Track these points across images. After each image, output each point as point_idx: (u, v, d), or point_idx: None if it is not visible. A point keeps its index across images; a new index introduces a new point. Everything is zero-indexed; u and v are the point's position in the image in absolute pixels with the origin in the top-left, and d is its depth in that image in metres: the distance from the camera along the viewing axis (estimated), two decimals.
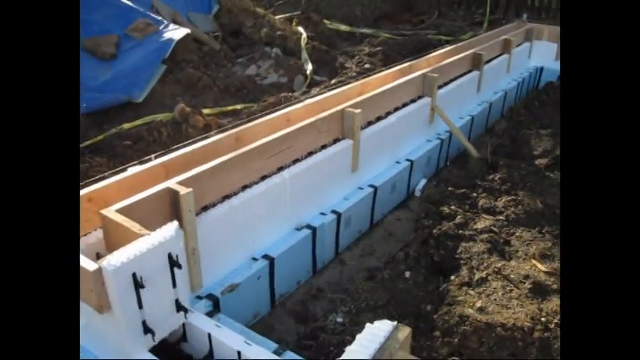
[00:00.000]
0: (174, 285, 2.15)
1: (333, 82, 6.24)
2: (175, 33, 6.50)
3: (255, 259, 2.92)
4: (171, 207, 2.45)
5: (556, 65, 7.10)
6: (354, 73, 6.39)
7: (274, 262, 2.93)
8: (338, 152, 3.45)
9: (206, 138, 3.08)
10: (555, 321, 2.31)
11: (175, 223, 2.13)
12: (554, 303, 2.42)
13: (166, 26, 6.64)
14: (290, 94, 5.86)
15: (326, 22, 9.67)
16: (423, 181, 4.42)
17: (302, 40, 7.83)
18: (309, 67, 6.87)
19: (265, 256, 2.94)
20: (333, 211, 3.41)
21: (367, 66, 6.76)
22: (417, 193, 4.28)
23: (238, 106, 5.73)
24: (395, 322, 1.55)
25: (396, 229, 3.86)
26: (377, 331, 1.50)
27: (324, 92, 4.20)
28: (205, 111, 5.33)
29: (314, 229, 3.22)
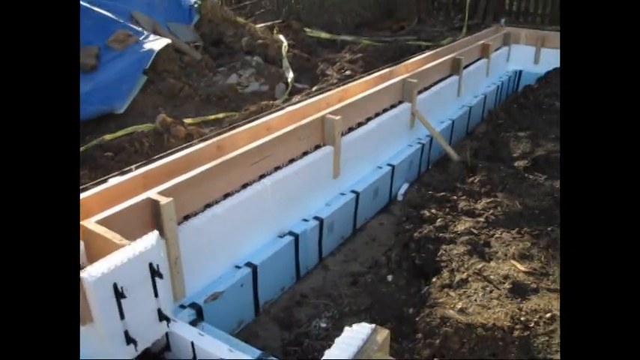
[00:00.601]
0: (156, 294, 2.15)
1: (314, 89, 6.28)
2: (156, 43, 6.49)
3: (238, 266, 2.93)
4: (152, 217, 2.45)
5: (534, 68, 7.21)
6: (335, 80, 6.43)
7: (257, 270, 2.95)
8: (319, 159, 3.47)
9: (187, 147, 3.09)
10: (535, 320, 2.35)
11: (156, 232, 2.14)
12: (533, 302, 2.46)
13: (147, 37, 6.63)
14: (271, 102, 5.88)
15: (307, 30, 9.72)
16: (405, 186, 4.46)
17: (283, 48, 7.86)
18: (290, 74, 6.91)
19: (248, 264, 2.95)
20: (316, 218, 3.43)
21: (348, 73, 6.81)
22: (400, 198, 4.31)
23: (220, 115, 5.74)
24: (373, 325, 1.57)
25: (379, 234, 3.89)
26: (355, 334, 1.52)
27: (305, 99, 4.23)
28: (187, 121, 5.34)
29: (296, 236, 3.24)
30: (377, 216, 4.13)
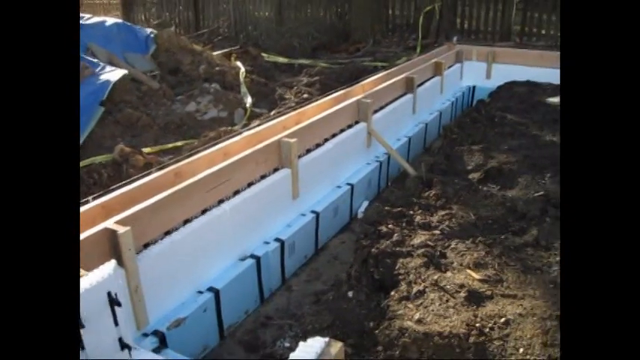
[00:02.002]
0: (116, 323, 2.15)
1: (272, 113, 6.36)
2: (112, 74, 6.50)
3: (200, 292, 2.95)
4: (110, 247, 2.46)
5: (487, 83, 7.45)
6: (293, 104, 6.53)
7: (220, 294, 2.97)
8: (277, 181, 3.53)
9: (145, 176, 3.11)
10: (490, 325, 2.43)
11: (113, 261, 2.15)
12: (488, 308, 2.55)
13: (103, 68, 6.63)
14: (230, 127, 5.93)
15: (264, 55, 9.84)
16: (365, 203, 4.54)
17: (240, 74, 7.94)
18: (249, 100, 6.98)
19: (210, 289, 2.97)
20: (277, 239, 3.47)
21: (305, 96, 6.92)
22: (360, 215, 4.39)
23: (179, 143, 5.76)
24: (327, 339, 1.62)
25: (341, 252, 3.95)
26: (309, 349, 1.57)
27: (263, 124, 4.29)
28: (146, 150, 5.34)
29: (258, 258, 3.27)
30: (338, 235, 4.19)
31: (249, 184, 3.45)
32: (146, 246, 2.71)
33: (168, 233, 2.85)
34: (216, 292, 2.95)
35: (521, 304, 2.58)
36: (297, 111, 4.48)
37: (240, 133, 3.96)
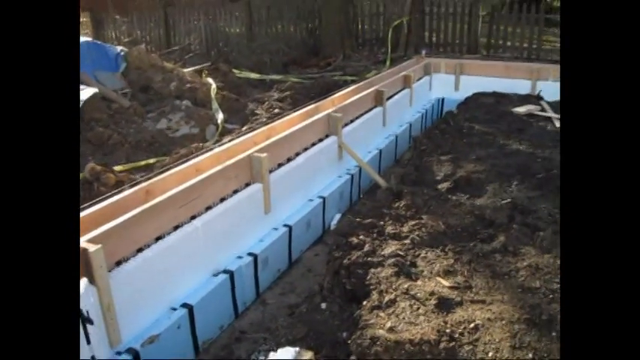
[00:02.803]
0: (88, 342, 2.16)
1: (244, 128, 6.39)
2: (82, 93, 6.47)
3: (174, 308, 2.95)
4: (82, 265, 2.46)
5: (455, 95, 7.60)
6: (265, 119, 6.58)
7: (193, 310, 2.97)
8: (249, 196, 3.56)
9: (116, 194, 3.11)
10: (459, 330, 2.48)
11: (84, 280, 2.16)
12: (458, 314, 2.60)
13: None
14: (202, 144, 5.95)
15: (235, 71, 9.88)
16: (337, 216, 4.59)
17: (212, 90, 7.96)
18: (220, 116, 7.00)
19: (184, 305, 2.97)
20: (250, 254, 3.49)
21: (277, 111, 6.98)
22: (333, 228, 4.43)
23: (151, 161, 5.75)
24: (297, 348, 1.65)
25: (314, 265, 3.98)
26: (280, 358, 1.60)
27: (234, 139, 4.32)
28: (117, 168, 5.32)
29: (231, 273, 3.29)
30: (312, 247, 4.23)
31: (222, 200, 3.47)
32: (118, 263, 2.71)
33: (140, 250, 2.85)
34: (189, 308, 2.96)
35: (489, 309, 2.64)
36: (267, 126, 4.52)
37: (212, 149, 3.98)
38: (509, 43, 11.82)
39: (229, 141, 4.29)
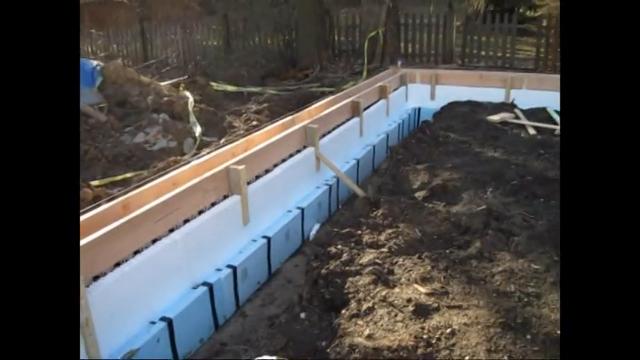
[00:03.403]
0: None
1: (222, 141, 6.41)
2: None
3: (153, 322, 2.94)
4: None
5: (431, 104, 7.70)
6: (242, 131, 6.60)
7: (173, 323, 2.97)
8: (227, 208, 3.57)
9: (93, 209, 3.11)
10: (437, 336, 2.52)
11: None
12: (435, 320, 2.64)
13: None
14: (180, 157, 5.95)
15: (213, 84, 9.89)
16: (316, 226, 4.61)
17: (189, 103, 7.97)
18: (198, 129, 7.00)
19: (163, 318, 2.96)
20: (229, 266, 3.49)
21: (254, 123, 7.00)
22: (312, 238, 4.46)
23: (128, 175, 5.73)
24: (274, 357, 1.67)
25: (294, 276, 4.00)
26: None
27: (212, 152, 4.34)
28: (94, 183, 5.29)
29: (210, 286, 3.29)
30: (291, 258, 4.24)
31: (200, 212, 3.48)
32: (96, 278, 2.71)
33: (118, 265, 2.84)
34: (169, 322, 2.95)
35: (466, 314, 2.69)
36: (245, 138, 4.54)
37: (189, 162, 3.99)
38: (483, 53, 12.01)
39: (207, 154, 4.30)
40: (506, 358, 2.39)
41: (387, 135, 6.57)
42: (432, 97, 7.88)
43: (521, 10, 17.40)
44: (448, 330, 2.56)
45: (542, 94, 7.11)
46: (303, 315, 3.00)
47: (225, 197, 3.69)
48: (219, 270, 3.45)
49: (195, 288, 3.25)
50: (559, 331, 2.55)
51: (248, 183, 3.84)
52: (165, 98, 8.07)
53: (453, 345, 2.47)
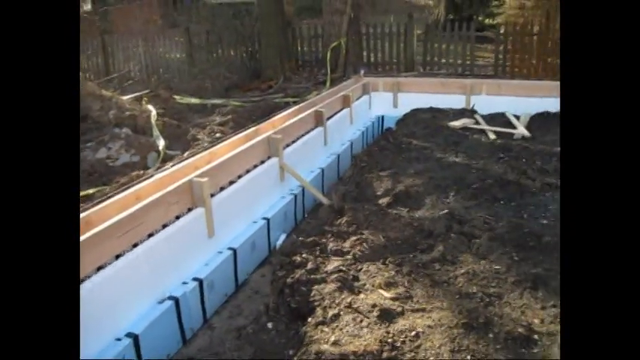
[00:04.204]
0: None
1: (186, 154, 6.37)
2: None
3: (118, 339, 2.91)
4: None
5: (394, 112, 7.80)
6: (207, 144, 6.57)
7: (139, 339, 2.94)
8: (191, 221, 3.56)
9: None
10: (401, 339, 2.56)
11: None
12: (399, 324, 2.69)
13: None
14: (143, 171, 5.90)
15: (176, 97, 9.84)
16: (282, 236, 4.62)
17: (152, 117, 7.91)
18: (162, 142, 6.96)
19: (129, 334, 2.94)
20: (195, 279, 3.48)
21: (218, 135, 7.00)
22: (278, 248, 4.47)
23: (90, 191, 5.65)
24: None
25: (261, 286, 3.99)
26: None
27: (176, 165, 4.32)
28: None
29: (176, 300, 3.27)
30: (258, 269, 4.24)
31: (164, 226, 3.46)
32: None
33: (81, 282, 2.81)
34: (134, 338, 2.92)
35: (430, 317, 2.74)
36: (208, 150, 4.54)
37: (152, 176, 3.97)
38: (443, 60, 12.24)
39: (170, 167, 4.28)
40: (469, 357, 2.44)
41: (352, 143, 6.63)
42: (395, 104, 7.98)
43: (479, 18, 17.78)
44: (412, 333, 2.60)
45: (501, 100, 7.30)
46: (270, 325, 3.01)
47: (190, 210, 3.68)
48: (185, 283, 3.43)
49: (160, 302, 3.23)
50: (520, 329, 2.63)
51: (212, 195, 3.84)
52: (128, 112, 7.99)
53: (418, 347, 2.52)
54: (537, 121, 6.74)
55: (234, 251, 3.86)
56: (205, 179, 3.64)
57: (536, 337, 2.61)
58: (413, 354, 2.47)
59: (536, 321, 2.74)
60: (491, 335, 2.60)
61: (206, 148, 4.67)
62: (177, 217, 3.59)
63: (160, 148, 6.87)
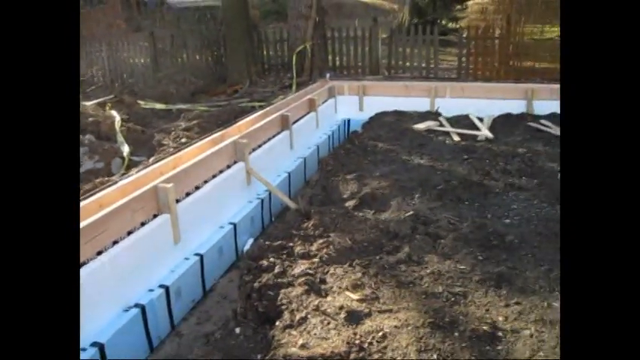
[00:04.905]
0: None
1: (151, 160, 6.29)
2: None
3: (84, 349, 2.87)
4: None
5: (360, 115, 7.86)
6: (172, 149, 6.51)
7: (104, 348, 2.90)
8: (156, 227, 3.53)
9: None
10: (368, 340, 2.59)
11: None
12: (366, 325, 2.71)
13: None
14: (107, 178, 5.80)
15: (140, 102, 9.72)
16: (250, 241, 4.61)
17: (116, 123, 7.79)
18: (126, 149, 6.87)
19: (94, 344, 2.89)
20: (161, 285, 3.45)
21: (184, 140, 6.93)
22: (245, 253, 4.45)
23: None
24: None
25: (229, 292, 3.98)
26: None
27: (141, 171, 4.27)
28: None
29: (143, 307, 3.24)
30: (226, 274, 4.23)
31: (129, 233, 3.42)
32: None
33: None
34: (100, 347, 2.88)
35: (396, 317, 2.77)
36: (173, 156, 4.50)
37: (116, 183, 3.91)
38: (408, 64, 12.37)
39: (135, 173, 4.23)
40: (435, 356, 2.48)
41: (318, 147, 6.66)
42: (361, 108, 8.05)
43: (443, 22, 18.04)
44: (380, 334, 2.63)
45: (465, 102, 7.43)
46: (237, 330, 3.00)
47: (155, 216, 3.65)
48: (151, 290, 3.40)
49: (126, 310, 3.19)
50: (485, 327, 2.68)
51: (178, 201, 3.81)
52: (91, 118, 7.85)
53: (385, 348, 2.54)
54: (500, 122, 6.88)
55: (201, 257, 3.84)
56: (170, 185, 3.61)
57: (500, 334, 2.66)
58: (380, 354, 2.50)
59: (501, 318, 2.79)
60: (456, 334, 2.64)
61: (171, 154, 4.63)
62: (143, 224, 3.55)
63: (125, 154, 6.78)
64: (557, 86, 7.54)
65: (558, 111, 7.01)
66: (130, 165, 6.53)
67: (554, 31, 12.83)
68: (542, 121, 6.72)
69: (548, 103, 7.10)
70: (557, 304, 2.88)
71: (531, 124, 6.68)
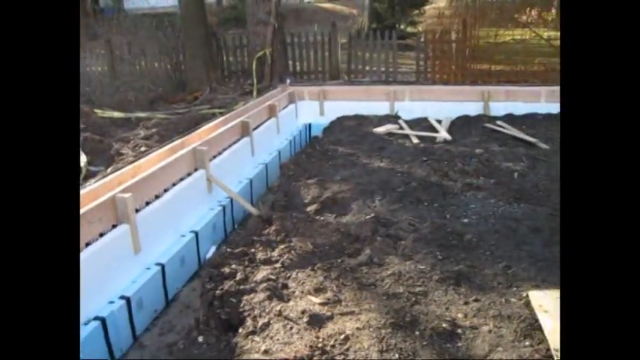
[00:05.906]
0: None
1: (109, 170, 6.20)
2: None
3: None
4: None
5: (321, 120, 7.92)
6: (131, 158, 6.42)
7: None
8: (115, 238, 3.48)
9: None
10: (331, 343, 2.61)
11: None
12: (329, 328, 2.74)
13: None
14: None
15: (98, 111, 9.55)
16: (212, 249, 4.58)
17: None
18: (83, 159, 6.75)
19: None
20: (122, 297, 3.40)
21: (143, 149, 6.85)
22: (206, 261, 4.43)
23: None
24: None
25: (192, 301, 3.94)
26: None
27: (99, 181, 4.20)
28: None
29: (103, 320, 3.18)
30: (189, 283, 4.18)
31: (87, 244, 3.37)
32: None
33: None
34: None
35: (358, 319, 2.80)
36: (132, 165, 4.45)
37: None
38: (368, 68, 12.50)
39: (93, 183, 4.16)
40: (397, 356, 2.52)
41: (279, 152, 6.66)
42: (322, 112, 8.10)
43: (401, 27, 18.30)
44: (342, 336, 2.65)
45: (424, 105, 7.56)
46: (201, 338, 2.98)
47: (114, 227, 3.60)
48: (111, 302, 3.35)
49: (86, 324, 3.13)
50: (444, 325, 2.73)
51: (137, 210, 3.77)
52: None
53: (347, 350, 2.57)
54: (458, 124, 7.02)
55: (163, 266, 3.80)
56: (129, 195, 3.57)
57: (460, 331, 2.72)
58: (343, 356, 2.52)
59: (460, 315, 2.86)
60: (417, 332, 2.69)
61: (130, 163, 4.57)
62: (101, 235, 3.50)
63: (82, 164, 6.66)
64: (513, 88, 7.78)
65: (514, 112, 7.20)
66: (88, 175, 6.42)
67: (508, 35, 13.16)
68: (498, 122, 6.88)
69: (503, 104, 7.28)
70: (514, 300, 2.96)
71: (488, 125, 6.83)
